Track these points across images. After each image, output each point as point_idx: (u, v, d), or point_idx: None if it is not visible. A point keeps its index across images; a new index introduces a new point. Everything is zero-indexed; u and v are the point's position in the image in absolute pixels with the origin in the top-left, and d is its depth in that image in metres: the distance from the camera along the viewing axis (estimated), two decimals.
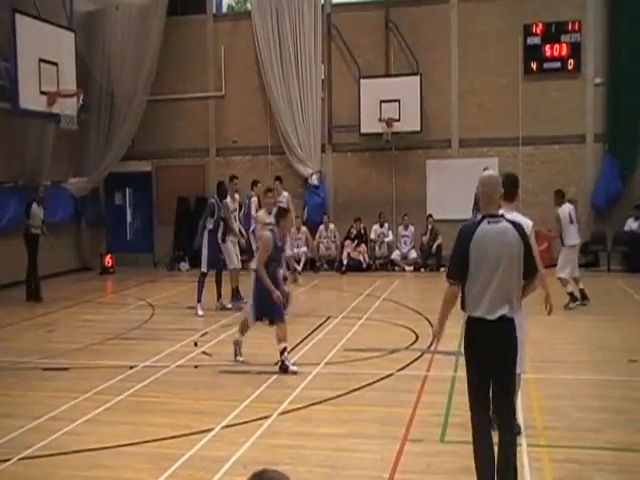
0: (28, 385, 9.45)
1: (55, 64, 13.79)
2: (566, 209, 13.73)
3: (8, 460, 6.79)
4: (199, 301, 13.89)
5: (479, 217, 5.47)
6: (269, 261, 9.69)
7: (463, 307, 5.45)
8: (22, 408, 8.44)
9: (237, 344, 10.10)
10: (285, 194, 15.69)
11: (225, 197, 14.32)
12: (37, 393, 9.13)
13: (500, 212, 5.64)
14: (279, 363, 9.69)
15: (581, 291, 13.71)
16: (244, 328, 10.00)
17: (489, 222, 5.35)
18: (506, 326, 5.36)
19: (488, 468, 5.42)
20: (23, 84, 12.91)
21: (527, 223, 6.35)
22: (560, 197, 13.86)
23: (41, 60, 13.39)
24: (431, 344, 10.87)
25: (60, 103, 13.86)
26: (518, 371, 6.10)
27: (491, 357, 5.37)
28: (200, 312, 13.72)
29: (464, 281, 5.37)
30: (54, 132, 17.88)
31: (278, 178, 16.01)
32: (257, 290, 9.77)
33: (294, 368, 9.68)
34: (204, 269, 13.96)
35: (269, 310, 9.71)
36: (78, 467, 6.67)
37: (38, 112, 13.73)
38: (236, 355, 10.13)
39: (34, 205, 15.59)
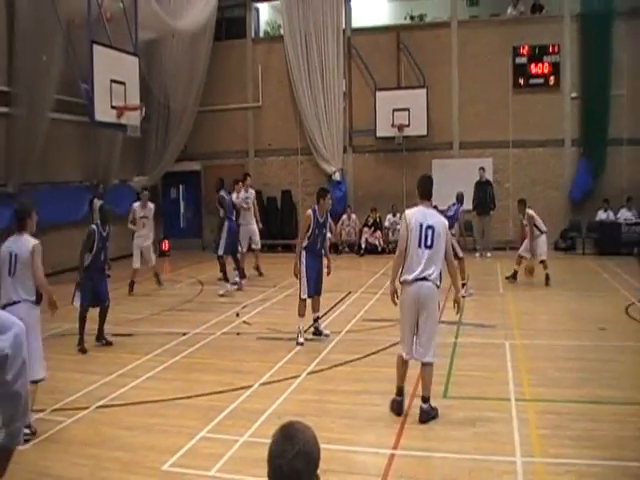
0: (101, 348, 9.58)
1: (123, 83, 13.86)
2: (531, 211, 13.82)
3: (87, 408, 6.98)
4: (225, 280, 13.56)
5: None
6: (312, 235, 9.51)
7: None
8: (97, 366, 8.58)
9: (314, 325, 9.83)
10: (252, 191, 15.24)
11: (219, 190, 14.05)
12: (108, 354, 9.27)
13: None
14: (313, 329, 9.77)
15: (546, 275, 13.62)
16: (302, 308, 9.58)
17: None
18: None
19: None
20: (98, 101, 13.00)
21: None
22: (524, 205, 13.88)
23: (112, 80, 13.47)
24: None
25: (127, 115, 13.95)
26: None
27: None
28: (222, 291, 13.34)
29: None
30: (121, 139, 18.05)
31: (246, 175, 15.48)
32: (308, 268, 9.53)
33: (327, 332, 9.77)
34: (220, 252, 13.61)
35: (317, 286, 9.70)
36: (142, 415, 6.80)
37: (109, 123, 13.82)
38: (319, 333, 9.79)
39: (95, 200, 15.70)
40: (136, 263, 13.72)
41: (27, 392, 2.83)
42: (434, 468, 5.41)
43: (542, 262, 13.65)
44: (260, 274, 15.35)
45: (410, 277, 6.39)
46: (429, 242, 6.38)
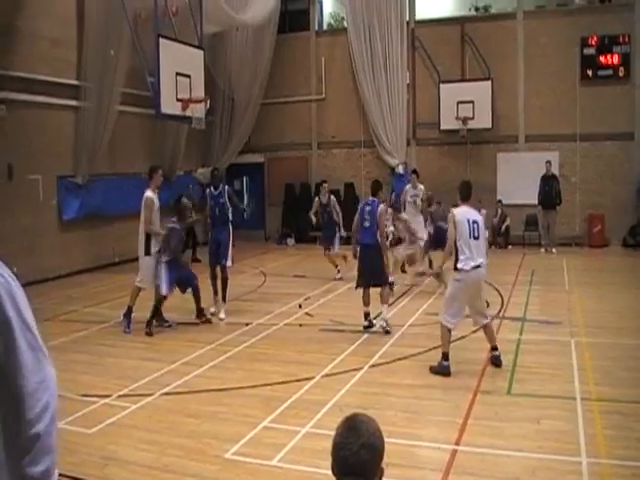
0: (166, 336, 9.76)
1: (188, 76, 14.03)
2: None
3: (152, 394, 7.11)
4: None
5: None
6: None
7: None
8: (162, 354, 8.74)
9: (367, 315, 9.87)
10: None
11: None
12: (173, 342, 9.42)
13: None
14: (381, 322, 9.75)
15: None
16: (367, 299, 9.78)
17: None
18: None
19: None
20: (164, 93, 13.19)
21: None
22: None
23: (177, 74, 13.65)
24: (500, 311, 10.78)
25: (191, 108, 14.11)
26: None
27: None
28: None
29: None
30: (186, 131, 18.33)
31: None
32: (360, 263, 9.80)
33: (380, 324, 9.75)
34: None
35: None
36: (205, 403, 6.89)
37: (174, 115, 14.01)
38: (370, 325, 9.84)
39: (184, 199, 15.18)
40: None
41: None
42: (497, 465, 5.32)
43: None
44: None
45: (468, 267, 7.48)
46: (476, 234, 7.58)
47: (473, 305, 7.75)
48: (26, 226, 13.82)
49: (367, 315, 9.82)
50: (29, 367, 2.19)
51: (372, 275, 9.59)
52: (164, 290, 9.82)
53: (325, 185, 14.85)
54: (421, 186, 15.06)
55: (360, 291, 9.78)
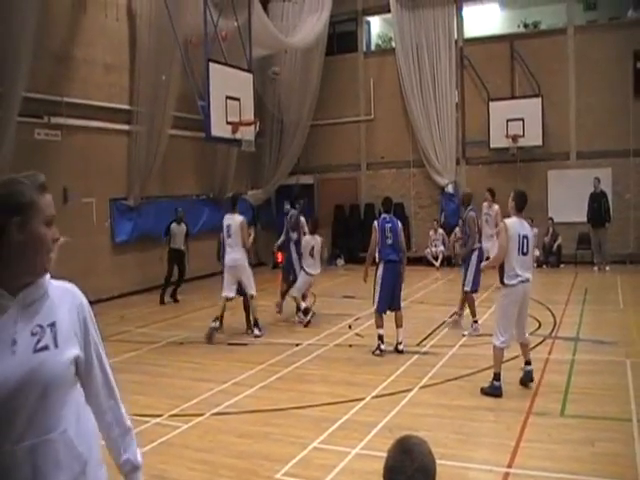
0: (216, 356, 9.86)
1: (238, 99, 14.20)
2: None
3: (203, 414, 7.17)
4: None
5: None
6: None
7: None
8: (212, 374, 8.81)
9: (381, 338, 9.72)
10: None
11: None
12: (223, 363, 9.50)
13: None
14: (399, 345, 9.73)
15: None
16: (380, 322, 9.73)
17: None
18: None
19: None
20: (214, 117, 13.37)
21: None
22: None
23: (227, 97, 13.84)
24: (552, 330, 10.59)
25: (241, 130, 14.26)
26: None
27: None
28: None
29: None
30: (237, 154, 18.56)
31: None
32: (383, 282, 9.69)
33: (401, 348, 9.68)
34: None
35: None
36: (256, 423, 6.92)
37: (225, 138, 14.16)
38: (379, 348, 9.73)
39: (173, 224, 14.75)
40: None
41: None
42: None
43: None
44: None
45: (515, 281, 7.44)
46: (525, 249, 7.48)
47: (517, 320, 7.68)
48: (80, 248, 14.13)
49: (381, 338, 9.69)
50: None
51: (392, 298, 9.69)
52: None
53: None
54: (496, 206, 14.68)
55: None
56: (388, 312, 9.73)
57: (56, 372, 2.22)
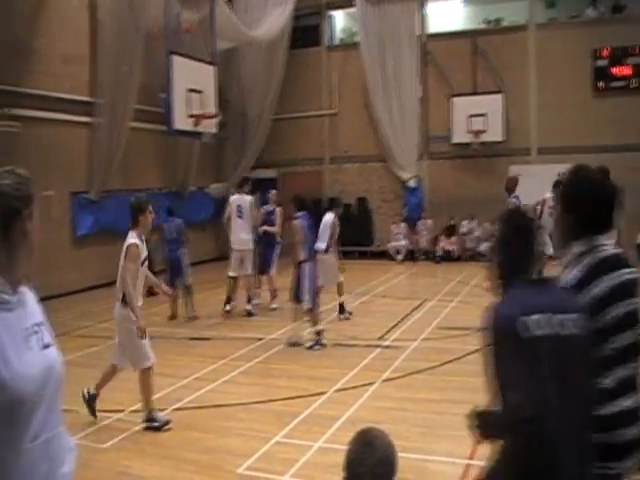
0: (178, 351, 9.80)
1: (200, 92, 14.11)
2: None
3: (164, 410, 7.10)
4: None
5: None
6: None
7: None
8: (174, 370, 8.72)
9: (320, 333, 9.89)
10: None
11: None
12: (185, 358, 9.46)
13: None
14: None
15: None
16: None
17: None
18: None
19: None
20: (175, 109, 13.29)
21: None
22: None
23: (189, 90, 13.75)
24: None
25: (203, 123, 14.19)
26: None
27: None
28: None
29: None
30: (199, 147, 18.45)
31: None
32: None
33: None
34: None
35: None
36: (218, 418, 6.91)
37: (187, 131, 14.09)
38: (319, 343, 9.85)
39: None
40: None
41: None
42: None
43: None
44: None
45: None
46: None
47: None
48: (40, 242, 13.89)
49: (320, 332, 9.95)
50: None
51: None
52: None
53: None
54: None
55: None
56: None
57: (61, 368, 2.27)
